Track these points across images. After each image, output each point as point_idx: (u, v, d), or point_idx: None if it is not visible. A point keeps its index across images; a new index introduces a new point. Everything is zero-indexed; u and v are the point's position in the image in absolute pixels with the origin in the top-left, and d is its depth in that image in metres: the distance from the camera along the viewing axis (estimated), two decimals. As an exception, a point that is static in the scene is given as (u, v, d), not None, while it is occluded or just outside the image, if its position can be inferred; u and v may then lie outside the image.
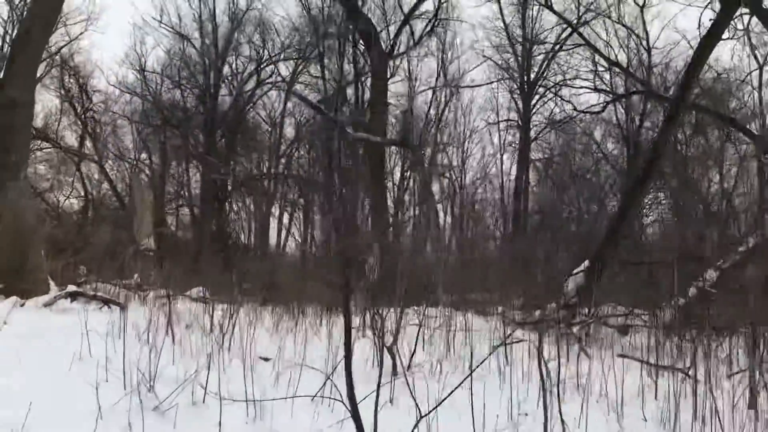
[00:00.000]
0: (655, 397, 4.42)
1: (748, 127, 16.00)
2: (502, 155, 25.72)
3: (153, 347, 3.40)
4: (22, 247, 6.18)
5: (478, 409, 2.95)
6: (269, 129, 26.36)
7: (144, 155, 25.29)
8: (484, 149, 25.53)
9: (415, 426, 2.57)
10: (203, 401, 3.18)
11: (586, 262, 8.01)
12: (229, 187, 22.03)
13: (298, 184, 24.12)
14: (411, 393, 2.80)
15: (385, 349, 4.06)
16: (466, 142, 25.26)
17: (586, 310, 7.49)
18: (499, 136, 25.11)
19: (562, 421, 3.27)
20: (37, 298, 5.89)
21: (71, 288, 6.25)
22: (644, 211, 24.30)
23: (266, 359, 4.22)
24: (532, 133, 23.97)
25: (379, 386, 2.37)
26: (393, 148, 14.73)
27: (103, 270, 9.05)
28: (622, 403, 3.92)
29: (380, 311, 4.74)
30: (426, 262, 10.32)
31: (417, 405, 2.79)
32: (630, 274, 10.22)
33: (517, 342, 5.43)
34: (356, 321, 6.22)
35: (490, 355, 3.65)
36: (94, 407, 2.76)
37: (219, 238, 19.74)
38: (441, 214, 24.81)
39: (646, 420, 3.86)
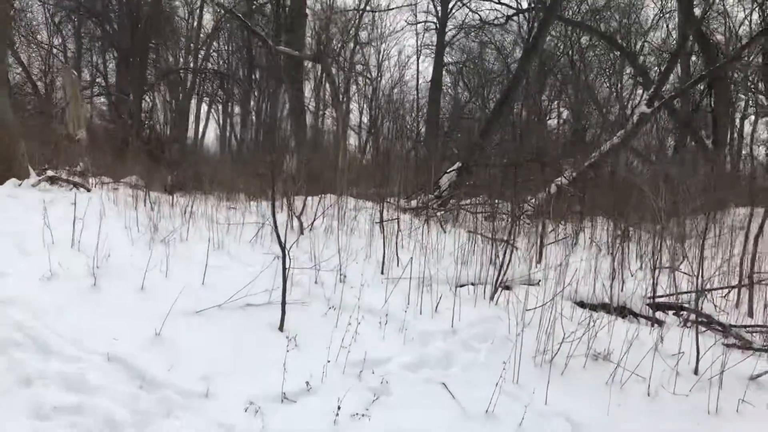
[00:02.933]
0: (473, 252, 7.04)
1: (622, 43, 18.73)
2: (418, 57, 27.83)
3: (154, 211, 5.66)
4: (9, 140, 8.03)
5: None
6: (187, 19, 27.20)
7: (57, 41, 25.80)
8: (401, 52, 27.67)
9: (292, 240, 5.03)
10: (186, 239, 5.53)
11: (459, 163, 10.62)
12: (150, 79, 23.12)
13: (219, 77, 25.50)
14: (277, 232, 5.20)
15: (295, 217, 6.48)
16: (384, 44, 27.28)
17: (454, 201, 10.15)
18: (417, 38, 27.18)
19: (397, 256, 5.81)
20: (27, 180, 7.88)
21: (50, 173, 8.26)
22: (548, 115, 27.36)
23: (233, 208, 6.68)
24: (447, 38, 26.19)
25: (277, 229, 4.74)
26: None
27: (53, 159, 10.78)
28: (443, 251, 6.53)
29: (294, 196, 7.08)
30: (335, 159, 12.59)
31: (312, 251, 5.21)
32: (504, 174, 12.86)
33: (392, 220, 7.91)
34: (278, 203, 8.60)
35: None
36: (128, 239, 5.04)
37: (142, 129, 21.16)
38: (357, 115, 27.02)
39: (456, 263, 6.47)
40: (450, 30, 25.86)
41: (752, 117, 26.61)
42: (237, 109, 29.40)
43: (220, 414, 3.27)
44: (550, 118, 27.38)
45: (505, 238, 7.04)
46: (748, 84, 23.70)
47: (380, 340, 4.25)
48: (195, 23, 26.83)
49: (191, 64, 26.07)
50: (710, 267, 7.60)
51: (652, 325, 5.43)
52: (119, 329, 3.75)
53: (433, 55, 25.96)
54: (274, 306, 4.36)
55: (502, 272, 5.63)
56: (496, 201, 10.33)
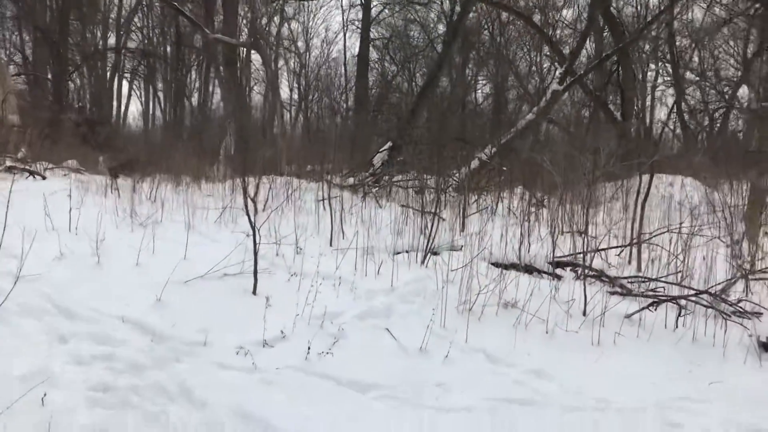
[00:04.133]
0: (405, 224, 8.23)
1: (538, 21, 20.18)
2: (345, 32, 28.69)
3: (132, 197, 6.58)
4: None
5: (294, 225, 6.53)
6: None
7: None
8: (328, 29, 28.51)
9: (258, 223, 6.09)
10: (161, 221, 6.48)
11: (390, 143, 11.79)
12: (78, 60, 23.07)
13: (145, 56, 25.63)
14: (248, 214, 6.25)
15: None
16: (312, 21, 27.98)
17: (387, 178, 11.34)
18: (343, 14, 28.03)
19: (342, 230, 6.94)
20: (-13, 170, 8.55)
21: (9, 163, 8.93)
22: (472, 89, 28.81)
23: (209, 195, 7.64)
24: (373, 13, 27.14)
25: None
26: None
27: None
28: (381, 224, 7.70)
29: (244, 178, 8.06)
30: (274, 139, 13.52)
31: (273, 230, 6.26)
32: (432, 150, 14.10)
33: (333, 197, 8.99)
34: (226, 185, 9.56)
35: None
36: (112, 224, 5.95)
37: (70, 111, 21.27)
38: (287, 91, 27.70)
39: (390, 233, 7.62)
40: (375, 6, 26.82)
41: (662, 87, 28.93)
42: (160, 85, 29.59)
43: (218, 356, 4.34)
44: (474, 91, 28.88)
45: (432, 211, 8.27)
46: (659, 54, 25.79)
47: (335, 298, 5.38)
48: (116, -1, 26.77)
49: (109, 41, 26.04)
50: (613, 229, 9.10)
51: (552, 279, 6.76)
52: (126, 297, 4.74)
53: (359, 31, 26.87)
54: (246, 275, 5.43)
55: (431, 241, 6.84)
56: (424, 176, 11.57)
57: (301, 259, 6.05)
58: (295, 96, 28.70)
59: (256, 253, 5.29)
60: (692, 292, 6.34)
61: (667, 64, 26.05)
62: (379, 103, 25.57)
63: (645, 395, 4.76)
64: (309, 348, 4.49)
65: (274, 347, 4.57)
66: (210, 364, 4.26)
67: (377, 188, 10.75)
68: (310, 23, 28.12)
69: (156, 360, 4.17)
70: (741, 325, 5.96)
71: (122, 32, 26.29)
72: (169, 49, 25.17)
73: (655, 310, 6.15)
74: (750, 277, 7.08)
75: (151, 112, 31.90)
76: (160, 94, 29.08)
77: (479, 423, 4.15)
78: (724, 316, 6.10)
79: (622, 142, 15.87)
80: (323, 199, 8.59)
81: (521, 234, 7.35)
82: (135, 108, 34.12)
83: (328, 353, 4.53)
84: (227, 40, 13.41)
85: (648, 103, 28.47)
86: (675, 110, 26.24)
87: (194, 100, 26.28)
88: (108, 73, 25.98)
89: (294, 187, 9.15)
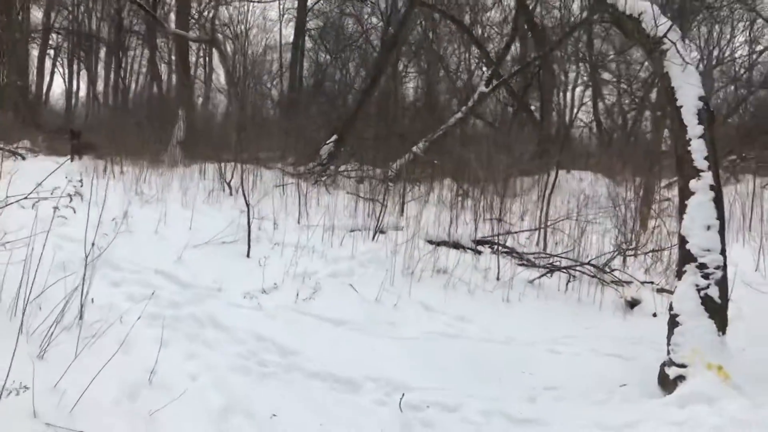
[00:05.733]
0: (355, 209, 10.10)
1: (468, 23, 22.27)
2: (281, 24, 30.18)
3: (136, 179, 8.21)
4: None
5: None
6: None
7: None
8: (266, 18, 29.84)
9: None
10: (161, 199, 8.14)
11: (335, 136, 13.64)
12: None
13: (76, 36, 26.23)
14: (245, 196, 8.02)
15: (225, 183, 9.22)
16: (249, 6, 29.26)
17: (333, 168, 13.19)
18: (279, 5, 29.48)
19: (306, 214, 8.75)
20: (-19, 151, 9.85)
21: (-4, 145, 10.26)
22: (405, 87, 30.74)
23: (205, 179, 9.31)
24: (309, 3, 28.62)
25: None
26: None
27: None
28: (335, 210, 9.56)
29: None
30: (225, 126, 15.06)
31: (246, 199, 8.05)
32: (375, 143, 15.99)
33: (288, 184, 10.77)
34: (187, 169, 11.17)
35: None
36: (125, 201, 7.57)
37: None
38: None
39: (344, 216, 9.46)
40: (311, -5, 28.24)
41: (581, 87, 31.76)
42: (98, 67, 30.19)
43: (231, 299, 6.10)
44: (404, 83, 30.86)
45: (378, 199, 10.18)
46: (579, 56, 28.42)
47: (310, 262, 7.22)
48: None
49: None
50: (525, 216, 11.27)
51: (474, 254, 8.80)
52: (154, 256, 6.42)
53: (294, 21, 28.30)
54: (238, 243, 7.20)
55: (378, 222, 8.76)
56: (367, 168, 13.48)
57: (280, 232, 7.85)
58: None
59: (249, 225, 7.06)
60: (579, 263, 8.52)
61: (586, 64, 28.68)
62: (314, 91, 27.08)
63: (538, 335, 6.80)
64: (297, 294, 6.31)
65: (269, 294, 6.37)
66: (227, 304, 6.01)
67: (325, 177, 12.56)
68: (249, 9, 29.26)
69: (187, 300, 5.89)
70: (615, 290, 8.13)
71: (52, 11, 26.82)
72: (107, 30, 25.90)
73: (551, 277, 8.29)
74: (627, 254, 9.36)
75: (74, 91, 32.46)
76: (92, 74, 29.67)
77: (421, 346, 6.08)
78: (603, 283, 8.28)
79: (540, 141, 18.22)
80: (281, 185, 10.34)
81: (450, 219, 9.36)
82: (57, 86, 34.31)
83: (310, 299, 6.36)
84: (185, 35, 14.79)
85: (569, 103, 31.23)
86: (592, 110, 29.10)
87: (134, 82, 27.14)
88: (37, 51, 26.49)
89: (255, 174, 10.88)
